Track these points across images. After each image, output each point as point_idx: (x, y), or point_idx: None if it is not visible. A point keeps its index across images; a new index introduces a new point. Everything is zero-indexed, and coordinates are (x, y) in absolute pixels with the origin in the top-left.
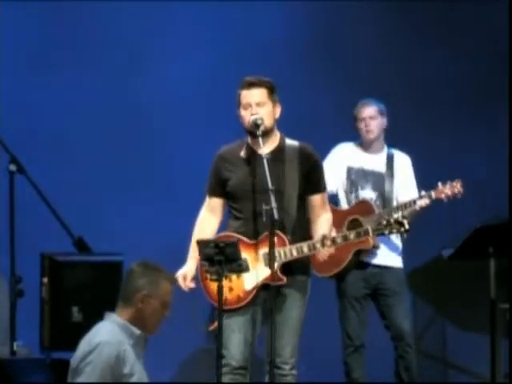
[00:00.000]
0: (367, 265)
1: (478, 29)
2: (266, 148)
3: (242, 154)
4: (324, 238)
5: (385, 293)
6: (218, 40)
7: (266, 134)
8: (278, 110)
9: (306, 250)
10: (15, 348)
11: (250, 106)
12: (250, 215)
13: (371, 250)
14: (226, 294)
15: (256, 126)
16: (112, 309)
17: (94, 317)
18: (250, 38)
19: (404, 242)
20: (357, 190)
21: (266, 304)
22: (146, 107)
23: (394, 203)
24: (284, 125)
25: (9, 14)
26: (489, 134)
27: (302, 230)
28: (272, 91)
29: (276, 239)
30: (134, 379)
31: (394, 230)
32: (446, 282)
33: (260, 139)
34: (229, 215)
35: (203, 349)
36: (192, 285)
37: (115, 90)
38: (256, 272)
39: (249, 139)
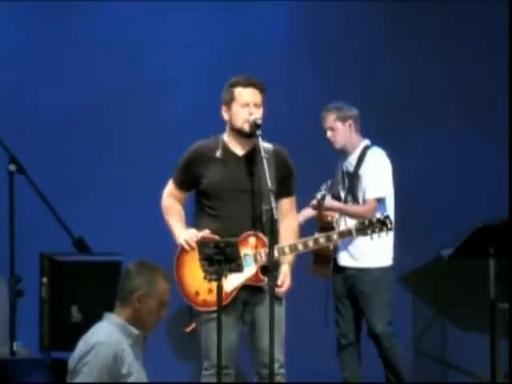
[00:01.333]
0: (344, 268)
1: (477, 29)
2: (242, 149)
3: (218, 154)
4: (306, 240)
5: (357, 295)
6: (219, 39)
7: (253, 135)
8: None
9: (287, 250)
10: (15, 348)
11: (248, 105)
12: (229, 215)
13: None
14: (206, 295)
15: (256, 126)
16: (111, 309)
17: (93, 317)
18: (250, 38)
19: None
20: (339, 191)
21: (247, 304)
22: (146, 109)
23: (360, 200)
24: (285, 124)
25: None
26: (488, 133)
27: (277, 231)
28: (264, 93)
29: (255, 240)
30: (132, 379)
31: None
32: (446, 281)
33: (260, 139)
34: (196, 212)
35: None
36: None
37: (115, 90)
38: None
39: (225, 138)
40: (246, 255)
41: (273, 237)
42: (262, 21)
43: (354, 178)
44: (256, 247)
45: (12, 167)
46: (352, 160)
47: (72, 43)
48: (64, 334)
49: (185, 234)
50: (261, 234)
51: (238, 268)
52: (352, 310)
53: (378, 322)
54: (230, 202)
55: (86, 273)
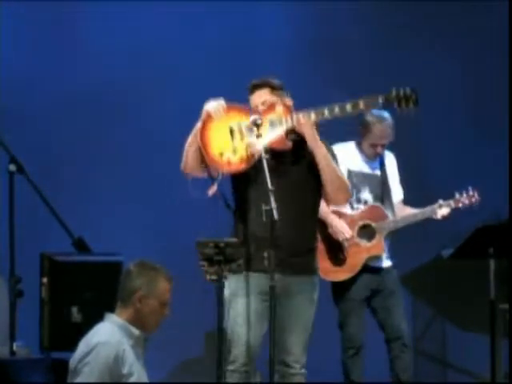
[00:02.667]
0: (375, 269)
1: (477, 29)
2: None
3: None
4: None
5: (382, 294)
6: (223, 39)
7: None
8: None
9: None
10: (15, 348)
11: (256, 107)
12: (253, 214)
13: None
14: (230, 155)
15: (256, 125)
16: (112, 309)
17: (93, 317)
18: (253, 38)
19: (394, 239)
20: (358, 193)
21: (273, 299)
22: (147, 109)
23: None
24: None
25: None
26: (489, 133)
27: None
28: (274, 88)
29: (283, 108)
30: (133, 379)
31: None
32: (446, 282)
33: (259, 139)
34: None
35: (203, 347)
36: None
37: (117, 90)
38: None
39: None
40: (272, 120)
41: (273, 237)
42: (265, 20)
43: (385, 183)
44: (283, 114)
45: (12, 167)
46: (374, 164)
47: (71, 41)
48: (64, 334)
49: (212, 103)
50: (288, 103)
51: (239, 268)
52: (365, 312)
53: (404, 321)
54: (252, 202)
55: (85, 273)
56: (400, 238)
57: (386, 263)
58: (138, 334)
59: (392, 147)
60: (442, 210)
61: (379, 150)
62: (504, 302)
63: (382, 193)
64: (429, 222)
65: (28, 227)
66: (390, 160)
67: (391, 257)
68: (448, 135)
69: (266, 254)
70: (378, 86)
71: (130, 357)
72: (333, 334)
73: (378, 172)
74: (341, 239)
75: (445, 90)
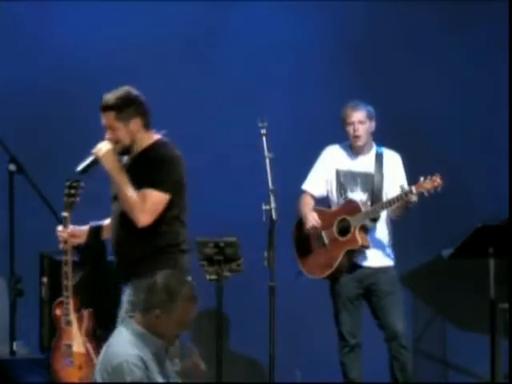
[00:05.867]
0: (360, 267)
1: (477, 30)
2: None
3: None
4: None
5: (377, 293)
6: (240, 42)
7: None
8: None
9: None
10: (15, 348)
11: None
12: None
13: (360, 249)
14: None
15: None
16: (111, 309)
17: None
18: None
19: (394, 239)
20: (345, 192)
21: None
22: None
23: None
24: (301, 125)
25: None
26: (489, 133)
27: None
28: (119, 111)
29: None
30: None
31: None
32: (446, 282)
33: (264, 140)
34: None
35: (203, 345)
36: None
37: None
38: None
39: None
40: None
41: (273, 239)
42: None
43: (379, 180)
44: None
45: (12, 167)
46: (368, 160)
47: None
48: None
49: None
50: None
51: (238, 268)
52: (361, 310)
53: (399, 321)
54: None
55: (85, 273)
56: (400, 238)
57: (381, 262)
58: (158, 341)
59: (396, 149)
60: (407, 197)
61: (356, 127)
62: (504, 301)
63: (373, 190)
64: (429, 222)
65: (28, 227)
66: (394, 160)
67: (390, 256)
68: (448, 135)
69: (266, 254)
70: (380, 87)
71: (151, 366)
72: (332, 333)
73: (371, 170)
74: (307, 226)
75: (445, 91)
